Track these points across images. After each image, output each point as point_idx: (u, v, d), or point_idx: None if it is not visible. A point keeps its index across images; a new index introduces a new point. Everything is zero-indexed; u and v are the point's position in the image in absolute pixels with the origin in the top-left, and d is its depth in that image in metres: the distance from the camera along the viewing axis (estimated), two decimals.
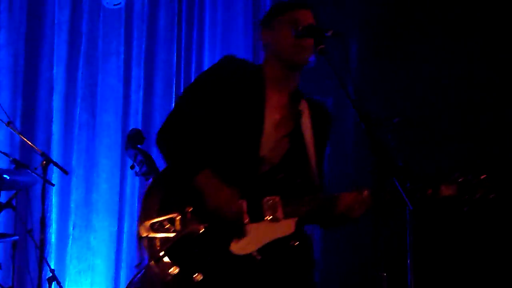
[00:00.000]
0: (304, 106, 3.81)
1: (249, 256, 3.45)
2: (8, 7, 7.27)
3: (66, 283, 7.30)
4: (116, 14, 7.89)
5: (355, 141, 7.76)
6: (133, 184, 7.74)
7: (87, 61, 7.68)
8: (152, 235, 3.42)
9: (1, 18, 7.23)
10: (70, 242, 7.38)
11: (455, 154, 6.88)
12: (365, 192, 3.58)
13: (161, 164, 5.82)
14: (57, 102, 7.43)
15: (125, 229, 7.68)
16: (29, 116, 7.29)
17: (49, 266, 6.43)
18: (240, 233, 3.45)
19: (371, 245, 3.46)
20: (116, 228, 7.64)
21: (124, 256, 7.64)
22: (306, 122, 3.77)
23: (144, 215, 3.50)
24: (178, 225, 3.42)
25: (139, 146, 6.07)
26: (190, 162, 3.49)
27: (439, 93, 7.41)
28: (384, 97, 7.43)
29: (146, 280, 5.43)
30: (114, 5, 7.64)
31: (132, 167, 6.11)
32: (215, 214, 3.42)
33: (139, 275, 5.67)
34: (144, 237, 3.43)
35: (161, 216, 3.45)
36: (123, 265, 7.62)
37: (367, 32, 8.00)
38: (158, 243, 3.41)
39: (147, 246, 3.44)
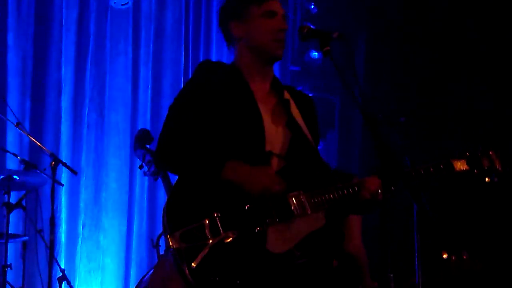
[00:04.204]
0: (286, 94, 3.79)
1: (287, 252, 3.38)
2: (16, 9, 7.30)
3: (76, 282, 7.34)
4: (123, 14, 7.91)
5: (363, 141, 7.79)
6: (142, 183, 7.78)
7: (95, 62, 7.71)
8: (183, 246, 3.28)
9: (9, 20, 7.25)
10: (80, 241, 7.42)
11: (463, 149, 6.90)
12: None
13: None
14: (65, 103, 7.46)
15: (135, 228, 7.71)
16: (38, 117, 7.32)
17: (59, 266, 6.47)
18: (276, 230, 3.37)
19: (378, 246, 3.50)
20: (125, 227, 7.67)
21: (133, 255, 7.67)
22: (294, 109, 3.74)
23: (170, 226, 3.33)
24: (208, 233, 3.30)
25: (147, 146, 6.08)
26: (209, 163, 3.39)
27: (446, 91, 7.43)
28: (392, 95, 7.44)
29: (157, 279, 5.46)
30: (122, 5, 7.67)
31: (141, 167, 6.12)
32: (261, 196, 3.36)
33: (149, 273, 5.71)
34: (176, 248, 3.29)
35: (189, 225, 3.32)
36: (133, 264, 7.66)
37: (374, 31, 8.03)
38: (191, 254, 3.28)
39: (180, 258, 3.29)
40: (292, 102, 3.76)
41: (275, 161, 3.56)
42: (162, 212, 3.40)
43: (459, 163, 3.76)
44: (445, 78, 7.45)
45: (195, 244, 3.29)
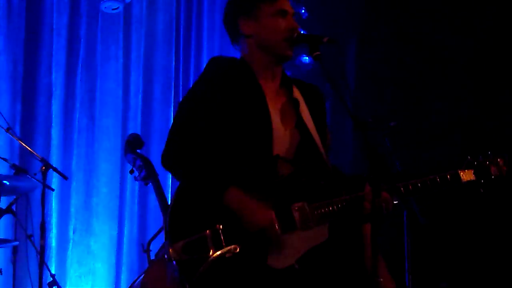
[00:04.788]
0: (297, 93, 3.75)
1: (289, 268, 3.37)
2: (7, 13, 7.28)
3: (67, 287, 7.31)
4: (114, 19, 7.90)
5: (353, 145, 7.78)
6: (133, 188, 7.76)
7: (85, 66, 7.69)
8: (185, 257, 3.27)
9: (0, 24, 7.23)
10: (70, 246, 7.39)
11: (452, 156, 6.91)
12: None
13: (160, 168, 5.85)
14: (56, 107, 7.44)
15: (125, 232, 7.69)
16: (29, 122, 7.29)
17: (50, 271, 6.44)
18: (277, 244, 3.35)
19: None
20: (116, 231, 7.65)
21: (124, 259, 7.65)
22: (304, 109, 3.70)
23: (172, 236, 3.31)
24: (211, 245, 3.28)
25: (138, 150, 6.07)
26: (213, 182, 3.35)
27: (436, 96, 7.44)
28: (382, 100, 7.45)
29: (149, 283, 5.45)
30: (113, 9, 7.64)
31: (131, 172, 6.11)
32: (253, 232, 3.33)
33: (140, 278, 5.70)
34: (177, 260, 3.28)
35: (191, 237, 3.30)
36: (124, 268, 7.64)
37: (365, 36, 8.03)
38: (192, 266, 3.26)
39: (181, 270, 3.28)
40: (301, 101, 3.72)
41: (281, 165, 3.54)
42: (163, 219, 3.39)
43: (466, 173, 3.70)
44: (436, 83, 7.46)
45: (197, 257, 3.27)
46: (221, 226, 3.31)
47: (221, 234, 3.30)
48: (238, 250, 3.29)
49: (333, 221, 3.50)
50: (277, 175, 3.51)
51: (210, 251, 3.27)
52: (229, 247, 3.29)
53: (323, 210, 3.45)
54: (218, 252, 3.27)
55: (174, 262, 3.28)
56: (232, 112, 3.51)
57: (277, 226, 3.35)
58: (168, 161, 3.49)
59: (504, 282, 6.78)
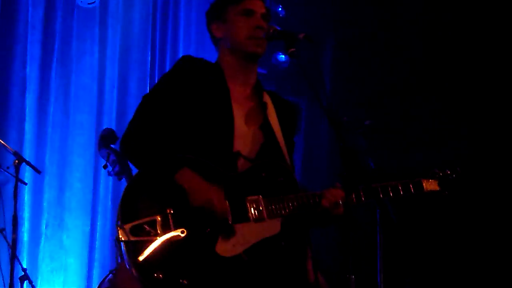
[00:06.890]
0: (267, 98, 3.81)
1: (236, 257, 3.38)
2: None
3: (39, 282, 7.25)
4: (90, 13, 7.86)
5: (329, 143, 7.81)
6: (107, 183, 7.73)
7: (61, 61, 7.64)
8: (132, 239, 3.29)
9: None
10: (42, 241, 7.35)
11: (426, 155, 6.95)
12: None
13: None
14: (30, 101, 7.39)
15: (98, 228, 7.66)
16: (2, 115, 7.23)
17: (21, 265, 6.40)
18: (227, 233, 3.38)
19: (339, 246, 3.50)
20: (89, 227, 7.61)
21: (97, 255, 7.62)
22: (272, 114, 3.76)
23: (122, 218, 3.35)
24: (159, 228, 3.31)
25: (112, 145, 6.08)
26: (166, 162, 3.40)
27: (412, 95, 7.47)
28: (357, 98, 7.48)
29: (118, 281, 5.44)
30: (88, 4, 7.62)
31: (105, 167, 6.11)
32: (200, 211, 3.34)
33: (110, 275, 5.69)
34: (124, 241, 3.29)
35: (140, 219, 3.32)
36: (96, 264, 7.60)
37: (342, 36, 8.06)
38: (139, 248, 3.28)
39: (127, 251, 3.29)
40: (270, 106, 3.78)
41: (241, 162, 3.58)
42: None
43: (429, 183, 3.80)
44: (413, 82, 7.50)
45: (144, 239, 3.30)
46: (171, 211, 3.35)
47: (171, 218, 3.34)
48: (185, 234, 3.32)
49: (287, 217, 3.53)
50: (236, 170, 3.56)
51: (157, 234, 3.30)
52: (176, 230, 3.32)
53: (277, 205, 3.50)
54: (166, 235, 3.31)
55: (121, 243, 3.31)
56: (194, 108, 3.58)
57: (229, 215, 3.39)
58: (125, 145, 3.59)
59: (471, 279, 6.84)
